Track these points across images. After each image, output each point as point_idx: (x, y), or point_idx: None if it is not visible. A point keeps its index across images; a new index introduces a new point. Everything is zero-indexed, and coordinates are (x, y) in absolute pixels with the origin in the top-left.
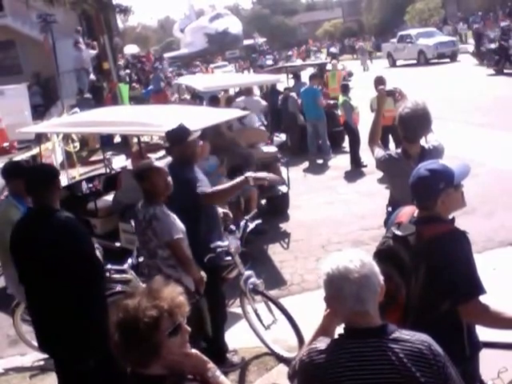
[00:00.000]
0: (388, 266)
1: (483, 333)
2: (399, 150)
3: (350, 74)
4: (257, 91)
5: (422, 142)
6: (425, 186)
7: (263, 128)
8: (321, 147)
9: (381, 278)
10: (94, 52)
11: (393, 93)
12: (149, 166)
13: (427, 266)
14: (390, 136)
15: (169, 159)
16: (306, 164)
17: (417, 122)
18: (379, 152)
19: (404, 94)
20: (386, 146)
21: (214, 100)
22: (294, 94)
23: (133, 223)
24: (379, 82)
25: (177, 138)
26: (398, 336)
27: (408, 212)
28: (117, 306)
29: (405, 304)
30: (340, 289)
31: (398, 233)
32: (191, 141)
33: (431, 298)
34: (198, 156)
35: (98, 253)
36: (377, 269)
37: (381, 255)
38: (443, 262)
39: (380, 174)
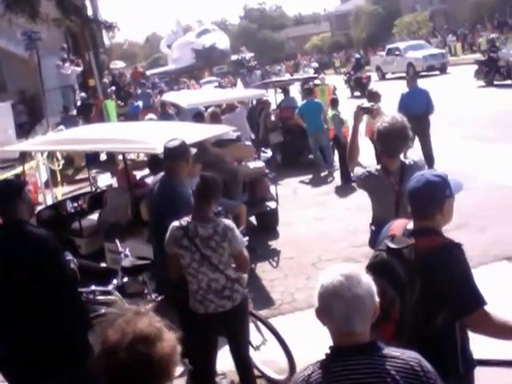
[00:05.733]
0: (381, 280)
1: (478, 350)
2: (379, 167)
3: (334, 89)
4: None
5: (402, 157)
6: (434, 191)
7: (249, 143)
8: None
9: (376, 299)
10: (78, 69)
11: (369, 110)
12: (216, 182)
13: (423, 279)
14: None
15: (158, 176)
16: (295, 180)
17: (395, 136)
18: (359, 170)
19: (381, 112)
20: None
21: (198, 116)
22: (268, 111)
23: (184, 243)
24: (372, 96)
25: (178, 153)
26: (387, 353)
27: (400, 225)
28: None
29: (398, 319)
30: (329, 305)
31: (392, 246)
32: (191, 156)
33: (426, 312)
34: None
35: (72, 265)
36: (373, 289)
37: (374, 268)
38: (442, 276)
39: None
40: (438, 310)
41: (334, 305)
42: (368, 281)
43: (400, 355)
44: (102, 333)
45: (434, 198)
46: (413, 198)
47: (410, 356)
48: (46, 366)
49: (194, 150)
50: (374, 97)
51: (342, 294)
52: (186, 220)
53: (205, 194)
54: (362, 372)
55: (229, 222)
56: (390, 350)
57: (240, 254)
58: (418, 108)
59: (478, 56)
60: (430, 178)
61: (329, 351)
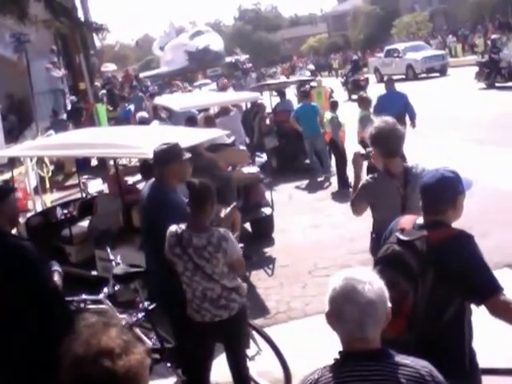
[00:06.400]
0: (393, 272)
1: (484, 359)
2: (380, 171)
3: (331, 92)
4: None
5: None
6: (447, 186)
7: (244, 148)
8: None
9: (388, 304)
10: (60, 73)
11: (368, 156)
12: (209, 187)
13: (436, 270)
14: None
15: (150, 181)
16: (290, 185)
17: (392, 135)
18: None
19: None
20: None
21: (191, 121)
22: (263, 114)
23: (177, 251)
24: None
25: (170, 157)
26: (398, 360)
27: (409, 220)
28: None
29: (410, 313)
30: (341, 309)
31: (404, 238)
32: (185, 160)
33: (437, 304)
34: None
35: (56, 276)
36: (386, 294)
37: (385, 261)
38: (457, 265)
39: None
40: (448, 302)
41: (346, 309)
42: (381, 286)
43: (411, 363)
44: (69, 344)
45: (448, 193)
46: (426, 193)
47: (421, 364)
48: (47, 366)
49: (188, 155)
50: (365, 102)
51: (354, 299)
52: (181, 228)
53: (198, 201)
54: (371, 378)
55: (224, 230)
56: (401, 358)
57: (234, 261)
58: (393, 110)
59: (479, 57)
60: (445, 174)
61: (338, 356)
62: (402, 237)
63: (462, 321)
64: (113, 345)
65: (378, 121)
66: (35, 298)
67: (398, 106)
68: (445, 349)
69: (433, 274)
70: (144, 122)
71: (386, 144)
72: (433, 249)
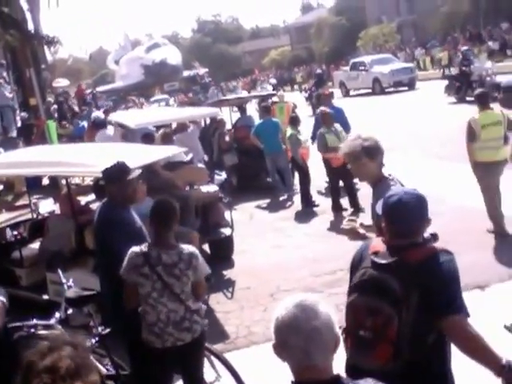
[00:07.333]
0: (374, 298)
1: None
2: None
3: (294, 107)
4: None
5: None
6: (422, 208)
7: (202, 165)
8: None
9: (336, 330)
10: (12, 94)
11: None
12: (172, 204)
13: (419, 291)
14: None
15: (103, 201)
16: (251, 204)
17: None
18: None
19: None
20: (338, 192)
21: (147, 137)
22: (223, 131)
23: (145, 271)
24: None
25: (116, 176)
26: None
27: (381, 242)
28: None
29: (395, 339)
30: (286, 339)
31: (381, 261)
32: (132, 179)
33: (423, 325)
34: (137, 196)
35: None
36: (333, 320)
37: (363, 287)
38: (438, 283)
39: (331, 215)
40: (432, 325)
41: (291, 339)
42: (326, 311)
43: None
44: (31, 351)
45: (421, 214)
46: (397, 215)
47: None
48: None
49: (138, 172)
50: (325, 118)
51: (298, 328)
52: (146, 246)
53: (164, 219)
54: None
55: (193, 248)
56: None
57: (201, 282)
58: None
59: (447, 71)
60: (419, 194)
61: None
62: (378, 260)
63: (445, 343)
64: (61, 365)
65: (361, 136)
66: None
67: (337, 121)
68: (431, 374)
69: (417, 296)
70: (99, 123)
71: (382, 152)
72: (413, 270)
